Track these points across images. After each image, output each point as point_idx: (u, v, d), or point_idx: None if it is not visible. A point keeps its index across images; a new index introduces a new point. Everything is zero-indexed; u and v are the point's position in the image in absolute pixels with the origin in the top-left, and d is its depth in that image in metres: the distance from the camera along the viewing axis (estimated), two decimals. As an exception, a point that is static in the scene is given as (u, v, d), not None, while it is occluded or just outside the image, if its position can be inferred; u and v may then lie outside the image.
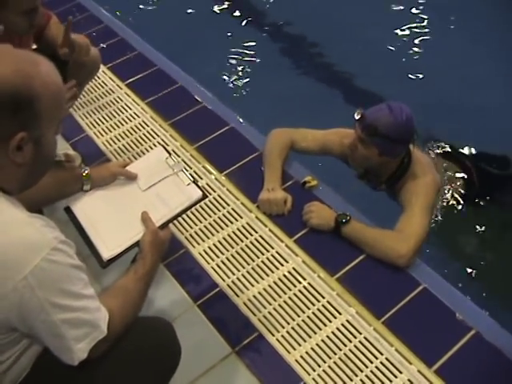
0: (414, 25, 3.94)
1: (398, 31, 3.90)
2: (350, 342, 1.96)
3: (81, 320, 1.31)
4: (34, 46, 2.46)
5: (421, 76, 3.56)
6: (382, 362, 1.91)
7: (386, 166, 2.28)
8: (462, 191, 2.47)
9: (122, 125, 2.89)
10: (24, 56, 1.27)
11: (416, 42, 3.81)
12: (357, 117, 2.21)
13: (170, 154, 1.89)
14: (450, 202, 2.44)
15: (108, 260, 1.64)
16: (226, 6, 4.30)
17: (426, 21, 3.97)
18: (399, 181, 2.28)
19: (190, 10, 4.12)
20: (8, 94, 1.19)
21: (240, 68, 3.72)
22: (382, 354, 1.92)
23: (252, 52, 3.83)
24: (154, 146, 2.72)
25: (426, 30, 3.89)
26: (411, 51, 3.75)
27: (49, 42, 2.32)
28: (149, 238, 1.62)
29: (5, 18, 2.05)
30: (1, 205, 1.26)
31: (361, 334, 1.98)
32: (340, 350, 1.94)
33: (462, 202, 2.46)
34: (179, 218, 2.30)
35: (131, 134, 2.82)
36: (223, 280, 2.16)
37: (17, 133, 1.22)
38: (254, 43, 3.89)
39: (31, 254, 1.22)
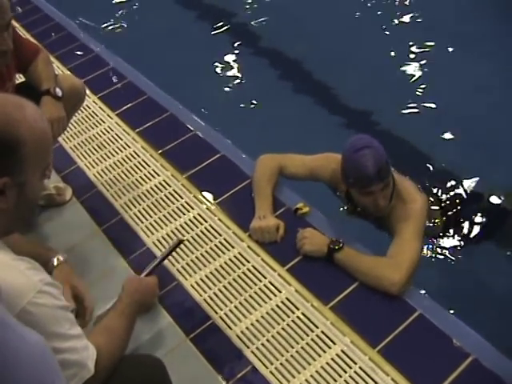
0: (413, 45, 3.93)
1: (394, 50, 3.91)
2: (345, 372, 1.93)
3: (68, 361, 1.31)
4: (22, 79, 2.46)
5: (418, 95, 3.56)
6: (378, 393, 1.88)
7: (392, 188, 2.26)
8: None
9: (113, 155, 2.88)
10: (10, 100, 1.26)
11: (414, 62, 3.80)
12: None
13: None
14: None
15: None
16: (217, 32, 4.33)
17: (425, 41, 3.96)
18: (389, 204, 2.26)
19: (179, 38, 4.13)
20: None
21: (230, 94, 3.74)
22: (378, 385, 1.90)
23: (242, 77, 3.85)
24: (146, 176, 2.72)
25: (425, 50, 3.89)
26: (409, 72, 3.74)
27: (33, 78, 2.31)
28: (125, 281, 1.86)
29: None
30: None
31: (356, 363, 1.95)
32: (335, 381, 1.91)
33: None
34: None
35: (122, 165, 2.81)
36: (216, 312, 2.14)
37: (0, 178, 1.20)
38: (244, 69, 3.90)
39: (16, 298, 1.21)
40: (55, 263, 1.92)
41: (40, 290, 1.25)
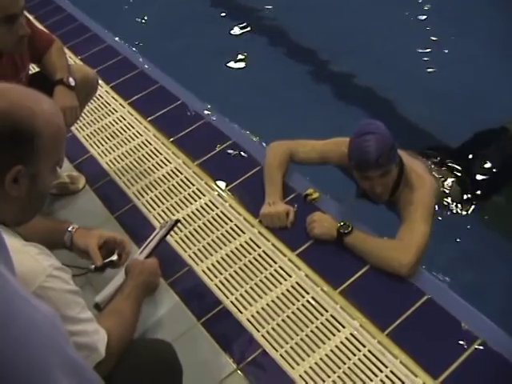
0: (419, 31, 3.91)
1: (401, 37, 3.87)
2: (355, 355, 1.95)
3: (79, 344, 1.33)
4: (36, 70, 2.49)
5: (425, 79, 3.53)
6: (386, 376, 1.89)
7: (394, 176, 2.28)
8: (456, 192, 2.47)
9: (126, 144, 2.91)
10: (29, 93, 1.30)
11: (420, 47, 3.78)
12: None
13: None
14: (450, 207, 2.44)
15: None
16: (226, 18, 4.32)
17: (431, 27, 3.93)
18: (397, 190, 2.27)
19: (190, 26, 4.13)
20: (10, 126, 1.21)
21: (240, 81, 3.74)
22: (386, 367, 1.91)
23: (252, 65, 3.84)
24: (157, 164, 2.75)
25: (432, 37, 3.86)
26: (416, 56, 3.72)
27: (47, 68, 2.35)
28: (128, 265, 1.89)
29: None
30: None
31: (365, 347, 1.97)
32: (344, 363, 1.93)
33: (459, 205, 2.46)
34: (182, 236, 2.41)
35: (134, 153, 2.84)
36: (226, 297, 2.17)
37: (14, 165, 1.24)
38: (255, 55, 3.89)
39: (27, 282, 1.24)
40: (73, 230, 1.92)
41: (50, 274, 1.28)
